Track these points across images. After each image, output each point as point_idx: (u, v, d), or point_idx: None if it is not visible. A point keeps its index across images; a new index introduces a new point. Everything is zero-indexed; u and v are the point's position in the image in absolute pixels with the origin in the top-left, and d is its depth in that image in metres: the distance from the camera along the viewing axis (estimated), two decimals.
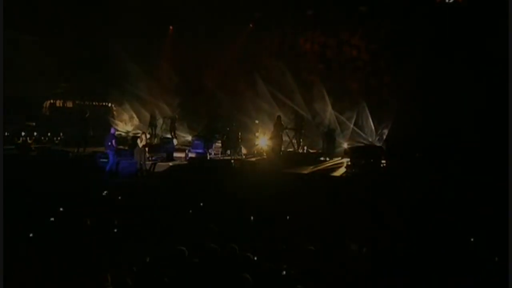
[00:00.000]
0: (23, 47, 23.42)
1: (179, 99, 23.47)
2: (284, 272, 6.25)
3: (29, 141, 20.11)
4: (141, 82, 24.14)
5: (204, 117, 22.30)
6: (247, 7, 22.17)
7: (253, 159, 18.87)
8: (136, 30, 23.22)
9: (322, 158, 18.80)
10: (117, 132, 24.43)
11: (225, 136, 19.30)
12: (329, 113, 20.71)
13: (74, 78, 25.44)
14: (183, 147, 20.37)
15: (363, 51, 21.27)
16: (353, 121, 20.32)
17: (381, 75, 20.88)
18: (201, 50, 23.06)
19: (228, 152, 19.36)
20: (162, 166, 16.76)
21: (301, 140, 20.06)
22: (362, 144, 19.01)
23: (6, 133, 19.62)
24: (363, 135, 19.94)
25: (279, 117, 19.14)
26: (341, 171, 15.94)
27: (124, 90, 24.78)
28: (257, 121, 20.81)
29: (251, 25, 23.37)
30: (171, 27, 24.60)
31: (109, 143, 16.03)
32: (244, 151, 19.73)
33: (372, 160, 15.06)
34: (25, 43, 23.73)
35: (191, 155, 18.27)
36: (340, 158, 18.64)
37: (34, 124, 22.16)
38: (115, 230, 8.88)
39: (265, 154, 19.54)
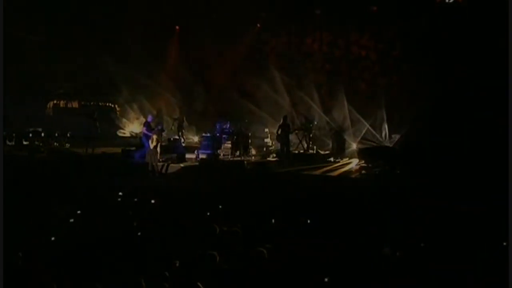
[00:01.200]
0: (27, 47, 23.29)
1: (186, 99, 23.28)
2: (326, 280, 6.10)
3: (36, 142, 19.90)
4: (146, 82, 24.01)
5: (211, 117, 22.10)
6: (254, 7, 22.09)
7: (263, 159, 18.77)
8: (142, 30, 23.18)
9: (331, 159, 18.69)
10: (121, 131, 24.96)
11: (234, 137, 19.11)
12: (338, 114, 20.59)
13: (77, 78, 25.31)
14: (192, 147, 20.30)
15: (371, 51, 21.27)
16: (363, 121, 20.18)
17: (391, 75, 20.91)
18: (208, 49, 23.04)
19: (237, 153, 19.18)
20: (173, 167, 16.60)
21: (310, 140, 19.94)
22: (375, 145, 18.86)
23: (13, 134, 19.48)
24: (376, 134, 19.83)
25: (285, 117, 19.07)
26: (355, 172, 15.81)
27: (130, 90, 24.68)
28: (266, 128, 20.71)
29: (258, 25, 23.30)
30: (177, 27, 24.44)
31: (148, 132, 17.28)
32: (253, 151, 19.62)
33: (386, 162, 14.90)
34: (29, 43, 23.60)
35: (201, 156, 18.09)
36: (347, 158, 18.58)
37: (40, 125, 21.92)
38: (139, 234, 8.73)
39: (274, 154, 19.50)
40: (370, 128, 19.88)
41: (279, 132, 18.47)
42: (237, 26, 22.56)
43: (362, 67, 21.46)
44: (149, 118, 18.59)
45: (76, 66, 24.13)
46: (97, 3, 23.06)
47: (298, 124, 20.17)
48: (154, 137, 16.23)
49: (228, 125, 20.10)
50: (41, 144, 19.84)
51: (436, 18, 19.34)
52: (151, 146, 15.86)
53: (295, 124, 20.14)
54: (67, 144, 20.77)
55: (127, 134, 24.24)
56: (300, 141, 19.80)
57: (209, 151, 18.79)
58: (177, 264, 7.07)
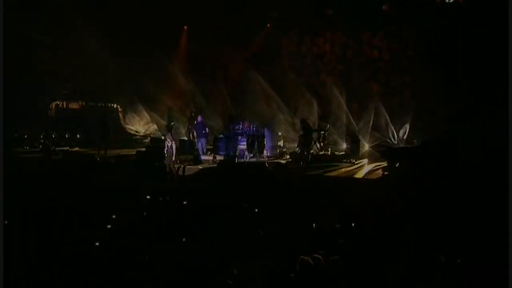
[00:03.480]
0: (30, 46, 22.91)
1: (195, 100, 23.03)
2: None
3: (47, 144, 19.60)
4: (154, 82, 23.77)
5: (223, 118, 21.92)
6: (265, 7, 21.98)
7: (279, 161, 18.58)
8: (150, 29, 22.92)
9: (346, 160, 18.60)
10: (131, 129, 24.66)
11: (250, 138, 18.90)
12: (352, 114, 20.53)
13: (79, 79, 24.98)
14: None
15: (384, 51, 21.25)
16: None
17: (403, 75, 20.91)
18: (218, 49, 22.87)
19: (251, 154, 18.95)
20: (191, 169, 16.34)
21: (324, 141, 19.84)
22: (401, 146, 18.82)
23: (25, 136, 19.24)
24: (391, 135, 19.80)
25: (303, 120, 18.94)
26: (378, 173, 15.70)
27: (135, 91, 24.41)
28: (280, 122, 20.61)
29: (268, 25, 23.15)
30: (185, 27, 24.18)
31: (203, 131, 18.73)
32: (266, 153, 19.41)
33: (411, 162, 14.81)
34: (32, 43, 23.21)
35: (219, 157, 17.91)
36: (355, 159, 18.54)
37: (50, 126, 21.68)
38: (184, 239, 8.53)
39: (288, 156, 19.40)
40: (393, 129, 19.81)
41: (300, 134, 18.35)
42: (247, 26, 22.46)
43: (376, 68, 21.38)
44: (199, 119, 19.28)
45: (79, 66, 23.75)
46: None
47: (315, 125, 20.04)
48: (168, 138, 15.90)
49: (241, 126, 19.97)
50: (52, 145, 19.51)
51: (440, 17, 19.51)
52: (168, 146, 15.54)
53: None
54: (76, 146, 20.57)
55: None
56: (315, 142, 19.66)
57: (223, 153, 18.68)
58: (235, 272, 6.87)
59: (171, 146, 15.61)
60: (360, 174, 16.08)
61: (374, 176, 15.74)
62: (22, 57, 21.25)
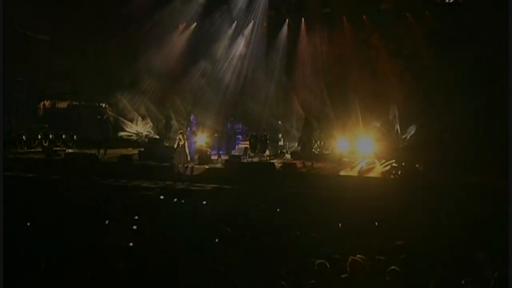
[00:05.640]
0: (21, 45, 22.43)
1: (193, 99, 22.80)
2: None
3: (44, 144, 19.20)
4: (150, 80, 23.50)
5: (222, 117, 21.74)
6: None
7: (281, 160, 18.51)
8: (145, 26, 22.71)
9: (345, 159, 18.63)
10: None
11: (253, 138, 18.77)
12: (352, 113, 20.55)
13: (69, 78, 24.61)
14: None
15: (382, 52, 21.32)
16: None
17: (400, 76, 21.00)
18: (215, 48, 22.73)
19: (252, 154, 18.80)
20: (198, 169, 16.10)
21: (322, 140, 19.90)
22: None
23: (23, 137, 18.82)
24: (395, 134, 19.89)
25: (306, 118, 18.91)
26: (385, 172, 15.72)
27: (131, 89, 24.09)
28: (280, 122, 20.54)
29: (265, 24, 23.05)
30: (181, 25, 23.93)
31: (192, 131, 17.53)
32: (267, 152, 19.33)
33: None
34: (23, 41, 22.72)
35: (224, 157, 17.78)
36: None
37: (46, 126, 21.24)
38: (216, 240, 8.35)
39: (289, 155, 19.35)
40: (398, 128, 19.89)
41: (301, 133, 18.25)
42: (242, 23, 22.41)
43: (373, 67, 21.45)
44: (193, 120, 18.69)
45: (69, 66, 23.38)
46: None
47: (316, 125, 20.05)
48: (180, 136, 15.33)
49: (241, 125, 19.91)
50: (48, 145, 19.13)
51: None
52: (179, 146, 15.15)
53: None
54: (73, 145, 20.25)
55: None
56: (316, 141, 19.64)
57: (222, 152, 18.55)
58: (284, 273, 6.75)
59: (183, 145, 15.12)
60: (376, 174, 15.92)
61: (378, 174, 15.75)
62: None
